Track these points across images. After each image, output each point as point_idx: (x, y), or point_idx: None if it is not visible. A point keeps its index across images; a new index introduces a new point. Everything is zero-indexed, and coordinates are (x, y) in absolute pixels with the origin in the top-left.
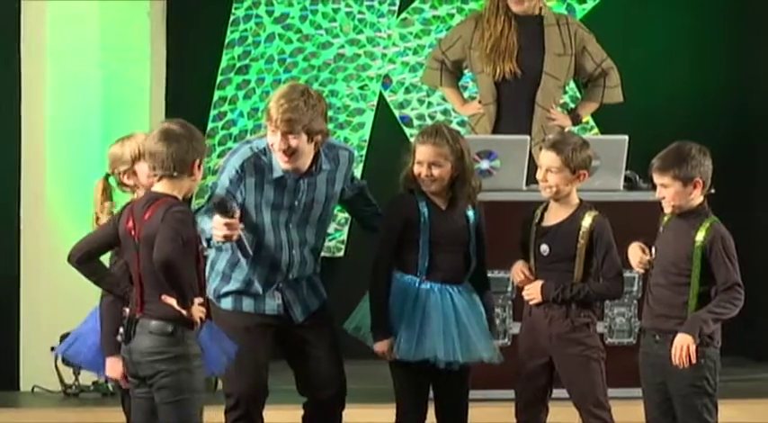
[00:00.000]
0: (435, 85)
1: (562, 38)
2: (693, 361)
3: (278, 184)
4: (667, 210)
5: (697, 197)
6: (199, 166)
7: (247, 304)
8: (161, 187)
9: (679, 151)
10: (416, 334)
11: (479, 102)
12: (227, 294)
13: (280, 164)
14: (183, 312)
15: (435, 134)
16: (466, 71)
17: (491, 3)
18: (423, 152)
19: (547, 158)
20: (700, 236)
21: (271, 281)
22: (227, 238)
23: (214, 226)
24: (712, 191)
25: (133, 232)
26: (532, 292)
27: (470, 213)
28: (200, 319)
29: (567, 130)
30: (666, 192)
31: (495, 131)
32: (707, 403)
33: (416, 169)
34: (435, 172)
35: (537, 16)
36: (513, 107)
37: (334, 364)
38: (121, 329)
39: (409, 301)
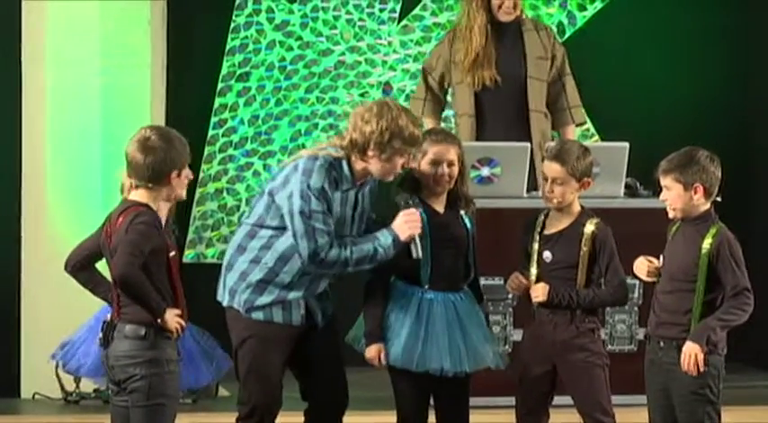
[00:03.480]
0: (417, 115)
1: (542, 41)
2: (702, 369)
3: (344, 198)
4: (671, 214)
5: (702, 204)
6: (178, 175)
7: (277, 315)
8: (137, 196)
9: (684, 155)
10: (420, 344)
11: (458, 114)
12: (258, 308)
13: (383, 178)
14: (158, 322)
15: (447, 134)
16: (447, 86)
17: (465, 15)
18: (440, 151)
19: (552, 170)
20: (706, 243)
21: (310, 292)
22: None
23: (402, 225)
24: (718, 199)
25: (108, 240)
26: (538, 292)
27: (467, 220)
28: (178, 328)
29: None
30: (669, 194)
31: (480, 140)
32: (709, 411)
33: (430, 169)
34: (453, 170)
35: (514, 23)
36: (498, 116)
37: (341, 371)
38: (100, 334)
39: (412, 311)
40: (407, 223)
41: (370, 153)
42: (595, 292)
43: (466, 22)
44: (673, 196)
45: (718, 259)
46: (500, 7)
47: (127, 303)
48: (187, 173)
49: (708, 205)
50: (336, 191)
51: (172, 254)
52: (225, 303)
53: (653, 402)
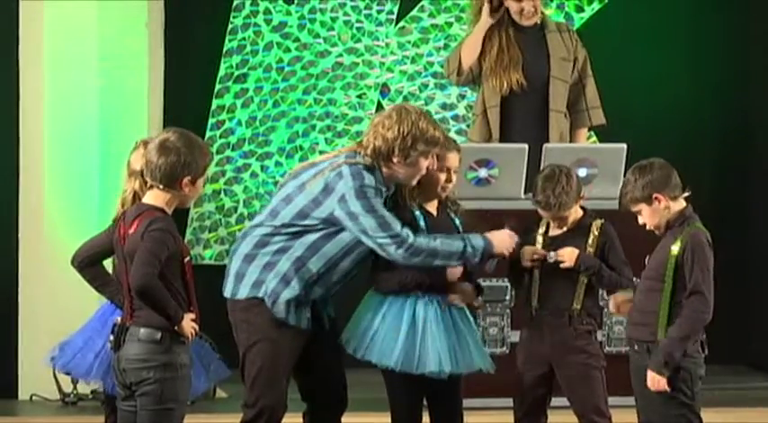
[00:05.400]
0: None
1: (564, 43)
2: (668, 389)
3: None
4: (657, 232)
5: (674, 206)
6: (192, 182)
7: (292, 318)
8: (150, 197)
9: (629, 178)
10: (418, 347)
11: (483, 108)
12: (280, 303)
13: (408, 182)
14: (175, 328)
15: (452, 140)
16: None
17: (473, 24)
18: (451, 158)
19: (548, 216)
20: (675, 246)
21: (323, 296)
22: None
23: (505, 239)
24: (685, 194)
25: (122, 242)
26: (565, 257)
27: (457, 221)
28: (192, 333)
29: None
30: (642, 218)
31: (503, 138)
32: (685, 413)
33: (438, 175)
34: (454, 176)
35: (536, 25)
36: (520, 114)
37: (341, 373)
38: (111, 337)
39: (408, 316)
40: (506, 242)
41: (394, 159)
42: (615, 275)
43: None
44: (646, 217)
45: (684, 262)
46: (521, 13)
47: (140, 307)
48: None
49: (680, 205)
50: None
51: (186, 259)
52: (243, 296)
53: (638, 403)
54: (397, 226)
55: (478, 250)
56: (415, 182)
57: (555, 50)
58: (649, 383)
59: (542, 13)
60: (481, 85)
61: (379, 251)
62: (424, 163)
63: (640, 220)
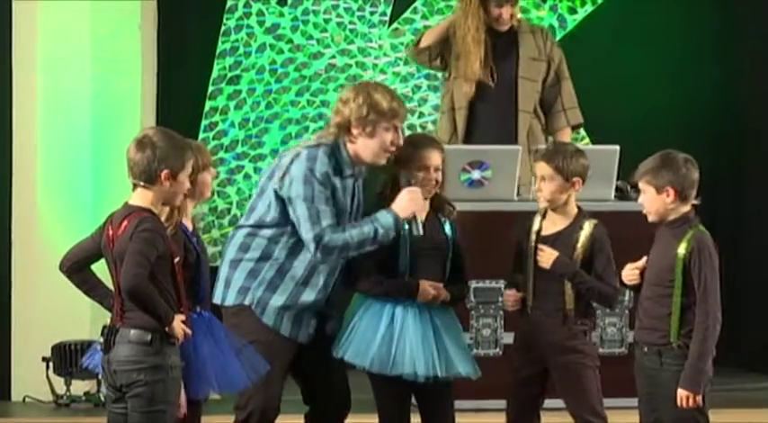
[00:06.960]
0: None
1: (536, 43)
2: (701, 404)
3: (345, 186)
4: (649, 218)
5: (678, 206)
6: (173, 176)
7: (285, 327)
8: (136, 197)
9: (657, 159)
10: (394, 348)
11: (450, 106)
12: (270, 311)
13: (376, 159)
14: (166, 329)
15: (431, 139)
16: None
17: (462, 12)
18: (427, 156)
19: (540, 168)
20: (682, 248)
21: (315, 306)
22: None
23: (406, 200)
24: (695, 202)
25: (110, 245)
26: (544, 258)
27: (447, 227)
28: (182, 334)
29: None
30: (644, 198)
31: (468, 137)
32: (695, 415)
33: (416, 175)
34: (438, 175)
35: (512, 27)
36: (490, 114)
37: (343, 375)
38: (101, 339)
39: (386, 318)
40: (411, 201)
41: (354, 132)
42: (596, 282)
43: (462, 32)
44: (647, 200)
45: (691, 266)
46: (497, 19)
47: (131, 308)
48: (212, 172)
49: (686, 208)
50: (339, 178)
51: (176, 259)
52: (231, 302)
53: (642, 406)
54: (324, 222)
55: (390, 228)
56: (383, 160)
57: (525, 51)
58: (680, 402)
59: (518, 18)
60: (449, 83)
61: (303, 240)
62: (387, 136)
63: (639, 199)
